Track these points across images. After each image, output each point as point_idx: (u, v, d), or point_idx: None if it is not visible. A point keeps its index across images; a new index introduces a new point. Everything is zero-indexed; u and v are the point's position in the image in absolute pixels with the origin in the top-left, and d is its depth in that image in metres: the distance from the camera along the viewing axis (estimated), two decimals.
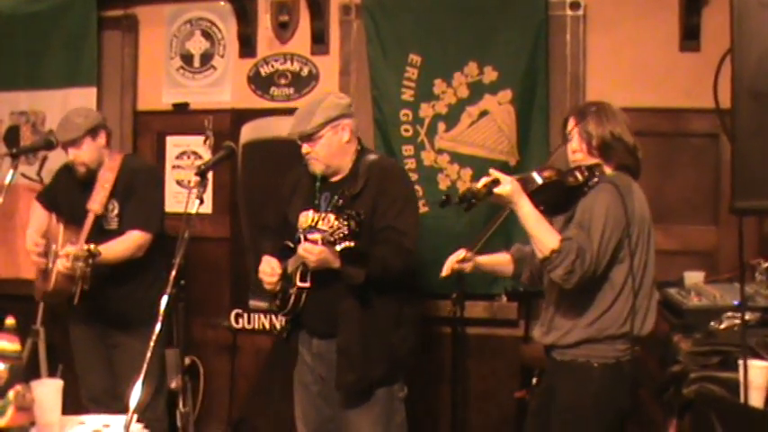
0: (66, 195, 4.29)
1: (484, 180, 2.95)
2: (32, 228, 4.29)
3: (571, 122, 3.18)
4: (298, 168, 3.82)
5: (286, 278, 3.62)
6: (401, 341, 3.59)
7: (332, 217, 3.38)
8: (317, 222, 3.51)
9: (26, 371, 2.74)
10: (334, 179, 3.64)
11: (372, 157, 3.69)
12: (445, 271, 3.38)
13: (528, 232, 2.96)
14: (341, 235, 3.19)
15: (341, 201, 3.42)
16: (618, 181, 3.00)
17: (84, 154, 4.11)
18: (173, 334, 2.97)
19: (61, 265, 3.84)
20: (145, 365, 2.58)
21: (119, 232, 4.07)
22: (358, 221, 3.19)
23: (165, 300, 2.70)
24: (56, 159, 5.01)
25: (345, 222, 3.19)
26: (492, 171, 2.97)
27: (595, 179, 3.03)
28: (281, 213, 3.80)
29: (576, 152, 3.15)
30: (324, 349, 3.63)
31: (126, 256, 4.01)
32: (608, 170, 3.10)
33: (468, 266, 3.37)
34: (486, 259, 3.47)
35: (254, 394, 5.11)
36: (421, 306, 3.92)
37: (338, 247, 3.25)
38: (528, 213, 2.93)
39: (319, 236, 3.29)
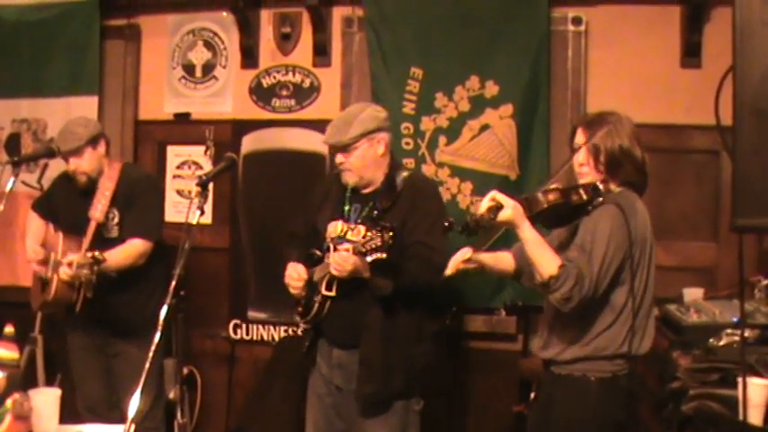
0: (65, 204, 4.28)
1: (486, 205, 2.88)
2: (30, 237, 4.30)
3: (579, 134, 3.10)
4: (329, 177, 3.86)
5: (311, 286, 3.61)
6: (421, 355, 3.60)
7: (362, 228, 3.37)
8: (346, 233, 3.51)
9: (23, 379, 2.74)
10: (366, 191, 3.64)
11: (406, 172, 3.70)
12: (450, 270, 3.24)
13: (528, 256, 2.92)
14: (373, 246, 3.20)
15: (375, 212, 3.46)
16: (622, 201, 2.94)
17: (85, 163, 4.12)
18: (172, 344, 2.97)
19: (63, 273, 3.84)
20: (143, 375, 2.57)
21: (119, 240, 4.07)
22: (393, 234, 3.21)
23: (164, 310, 2.69)
24: (56, 167, 5.01)
25: (379, 234, 3.20)
26: (495, 195, 2.90)
27: (600, 198, 2.99)
28: (310, 221, 3.79)
29: (583, 165, 3.07)
30: (345, 360, 3.62)
31: (128, 263, 4.01)
32: (613, 186, 3.04)
33: (472, 266, 3.28)
34: (489, 258, 3.40)
35: (252, 404, 5.09)
36: (441, 322, 3.99)
37: (369, 258, 3.26)
38: (530, 238, 2.88)
39: (351, 246, 3.31)
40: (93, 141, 4.14)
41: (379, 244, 3.19)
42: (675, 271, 4.45)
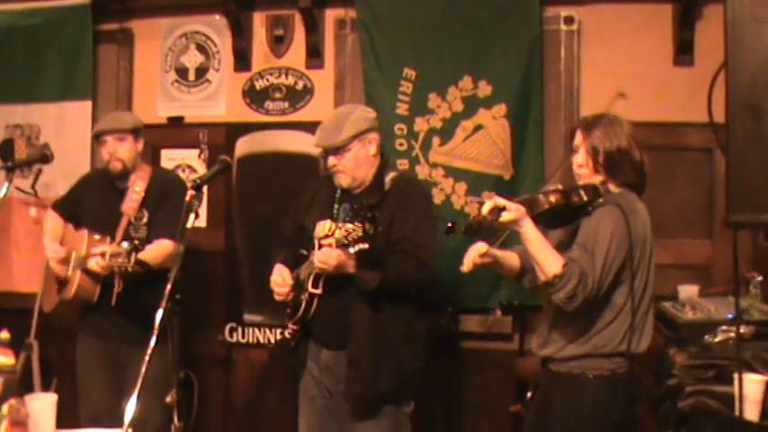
0: (94, 202, 4.26)
1: (488, 206, 2.89)
2: (48, 236, 4.25)
3: (578, 136, 3.13)
4: (318, 179, 3.84)
5: (298, 286, 3.59)
6: (411, 356, 3.57)
7: (349, 225, 3.29)
8: (334, 232, 3.38)
9: (19, 385, 2.73)
10: (355, 191, 3.64)
11: (395, 172, 3.70)
12: (467, 266, 3.20)
13: (531, 255, 2.94)
14: (355, 237, 3.17)
15: (356, 206, 3.37)
16: (623, 202, 2.97)
17: (123, 150, 4.14)
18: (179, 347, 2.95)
19: (96, 263, 3.80)
20: (140, 379, 2.57)
21: (146, 241, 4.03)
22: (374, 224, 3.18)
23: (160, 313, 2.70)
24: (50, 173, 5.02)
25: (360, 224, 3.17)
26: (497, 199, 2.91)
27: (600, 199, 3.01)
28: (299, 222, 3.77)
29: (582, 167, 3.11)
30: (333, 362, 3.60)
31: (158, 263, 3.90)
32: (613, 187, 3.07)
33: (488, 260, 3.25)
34: (502, 255, 3.38)
35: (249, 408, 5.09)
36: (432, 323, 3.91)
37: (352, 250, 3.23)
38: (532, 238, 2.91)
39: (333, 240, 3.27)
40: (136, 132, 4.20)
41: (361, 234, 3.16)
42: (671, 268, 4.45)
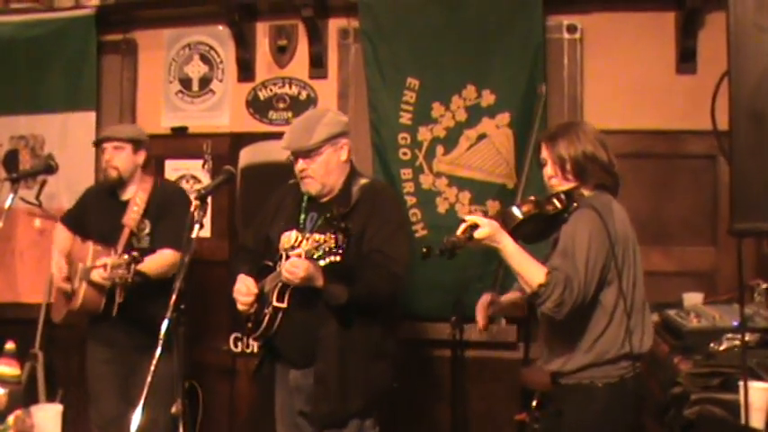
0: (97, 215, 4.32)
1: (462, 227, 2.91)
2: (56, 249, 4.30)
3: (543, 149, 3.17)
4: (283, 187, 3.68)
5: (262, 298, 3.41)
6: (380, 375, 3.41)
7: (317, 236, 3.06)
8: (301, 243, 3.19)
9: (25, 395, 2.74)
10: (323, 200, 3.49)
11: (365, 179, 3.55)
12: (482, 324, 3.32)
13: (514, 269, 2.94)
14: (327, 249, 2.98)
15: (328, 214, 3.15)
16: (597, 203, 2.99)
17: (119, 159, 4.22)
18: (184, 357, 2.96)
19: (98, 275, 3.86)
20: (145, 388, 2.58)
21: (149, 251, 4.09)
22: (346, 234, 2.99)
23: (165, 324, 2.71)
24: (55, 183, 5.03)
25: (333, 236, 2.97)
26: (468, 216, 2.93)
27: (574, 204, 3.03)
28: (262, 233, 3.62)
29: (552, 177, 3.15)
30: (302, 381, 3.42)
31: (160, 272, 3.96)
32: (586, 191, 3.09)
33: (498, 308, 3.33)
34: (506, 299, 3.45)
35: (253, 417, 5.09)
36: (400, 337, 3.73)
37: (322, 263, 3.03)
38: (511, 251, 2.91)
39: (303, 250, 3.09)
40: (134, 144, 4.25)
41: (333, 246, 2.97)
42: (675, 276, 4.46)
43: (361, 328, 3.34)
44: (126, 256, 3.75)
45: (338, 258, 3.00)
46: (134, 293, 3.95)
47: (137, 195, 4.22)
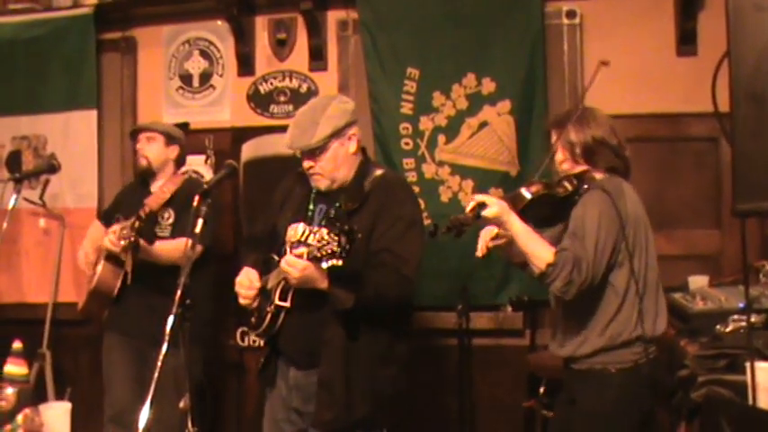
0: (126, 202, 4.37)
1: (470, 205, 2.89)
2: (87, 241, 4.39)
3: (553, 134, 3.18)
4: (292, 175, 3.51)
5: (265, 294, 3.25)
6: (388, 382, 3.21)
7: (324, 231, 2.82)
8: (307, 237, 2.93)
9: (33, 394, 2.75)
10: (334, 189, 3.29)
11: (379, 171, 3.31)
12: (481, 251, 3.11)
13: (522, 249, 2.93)
14: (329, 251, 2.77)
15: (332, 212, 3.00)
16: (608, 185, 2.98)
17: (152, 149, 4.31)
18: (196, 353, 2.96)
19: (107, 241, 3.91)
20: (153, 383, 2.59)
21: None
22: (350, 238, 2.76)
23: (171, 319, 2.71)
24: (58, 183, 5.04)
25: (336, 237, 2.75)
26: (477, 196, 2.91)
27: (585, 186, 3.02)
28: (270, 223, 3.44)
29: (563, 162, 3.14)
30: (302, 381, 3.25)
31: (173, 257, 3.92)
32: (597, 175, 3.07)
33: (501, 242, 3.18)
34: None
35: (261, 412, 5.10)
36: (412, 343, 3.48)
37: (324, 265, 2.84)
38: (519, 231, 2.90)
39: (305, 250, 2.88)
40: (167, 137, 4.35)
41: (335, 249, 2.76)
42: (680, 259, 4.46)
43: (369, 332, 3.15)
44: (132, 220, 3.83)
45: (340, 263, 2.80)
46: (149, 281, 3.98)
47: (165, 186, 4.27)
